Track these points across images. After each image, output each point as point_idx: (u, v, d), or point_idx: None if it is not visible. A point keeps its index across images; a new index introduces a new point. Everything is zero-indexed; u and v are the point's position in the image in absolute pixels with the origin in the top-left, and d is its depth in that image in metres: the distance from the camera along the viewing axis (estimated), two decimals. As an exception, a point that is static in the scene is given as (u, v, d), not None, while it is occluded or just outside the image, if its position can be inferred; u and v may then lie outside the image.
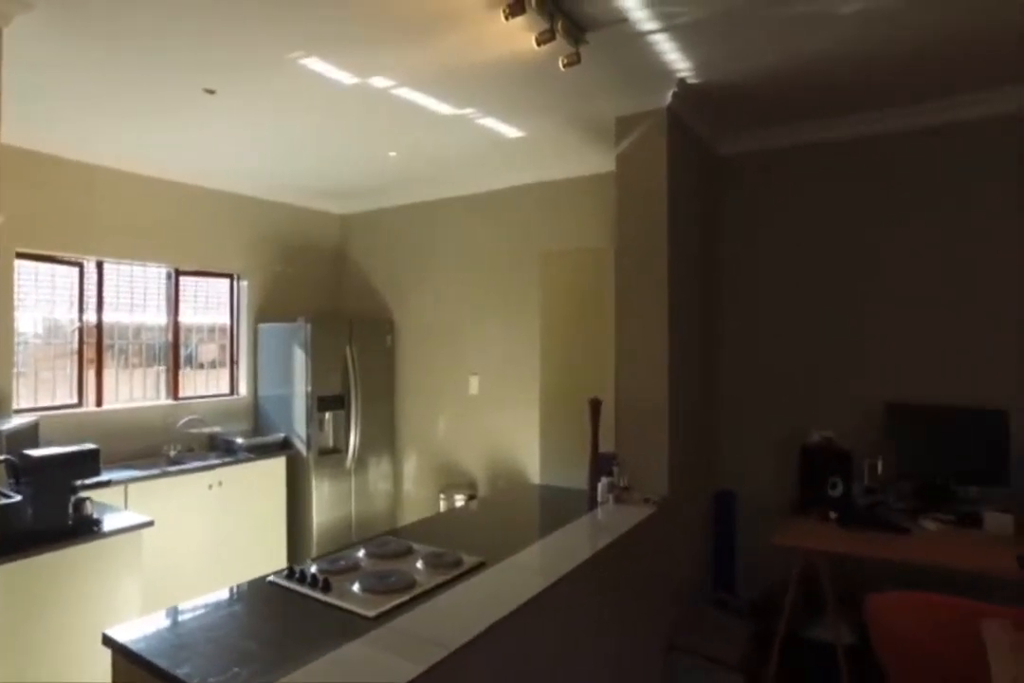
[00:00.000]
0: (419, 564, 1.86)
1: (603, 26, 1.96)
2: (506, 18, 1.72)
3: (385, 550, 1.97)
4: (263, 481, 3.83)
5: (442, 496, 4.12)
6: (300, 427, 3.99)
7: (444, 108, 2.71)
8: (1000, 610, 1.80)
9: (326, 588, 1.67)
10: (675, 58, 2.29)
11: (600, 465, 2.72)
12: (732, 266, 3.39)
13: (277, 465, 3.92)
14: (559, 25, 1.83)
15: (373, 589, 1.67)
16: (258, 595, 1.70)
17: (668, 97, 2.56)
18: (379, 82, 2.46)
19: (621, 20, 1.94)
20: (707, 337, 3.33)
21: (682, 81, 2.51)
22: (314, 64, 2.32)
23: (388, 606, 1.57)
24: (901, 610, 2.08)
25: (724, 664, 2.55)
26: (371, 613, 1.53)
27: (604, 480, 2.65)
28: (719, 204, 3.40)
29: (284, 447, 4.02)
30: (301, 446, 3.99)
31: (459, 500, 4.00)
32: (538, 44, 1.85)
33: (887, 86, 2.66)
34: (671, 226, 2.69)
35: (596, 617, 2.14)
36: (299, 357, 3.99)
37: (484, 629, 1.48)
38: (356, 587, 1.68)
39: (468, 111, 2.76)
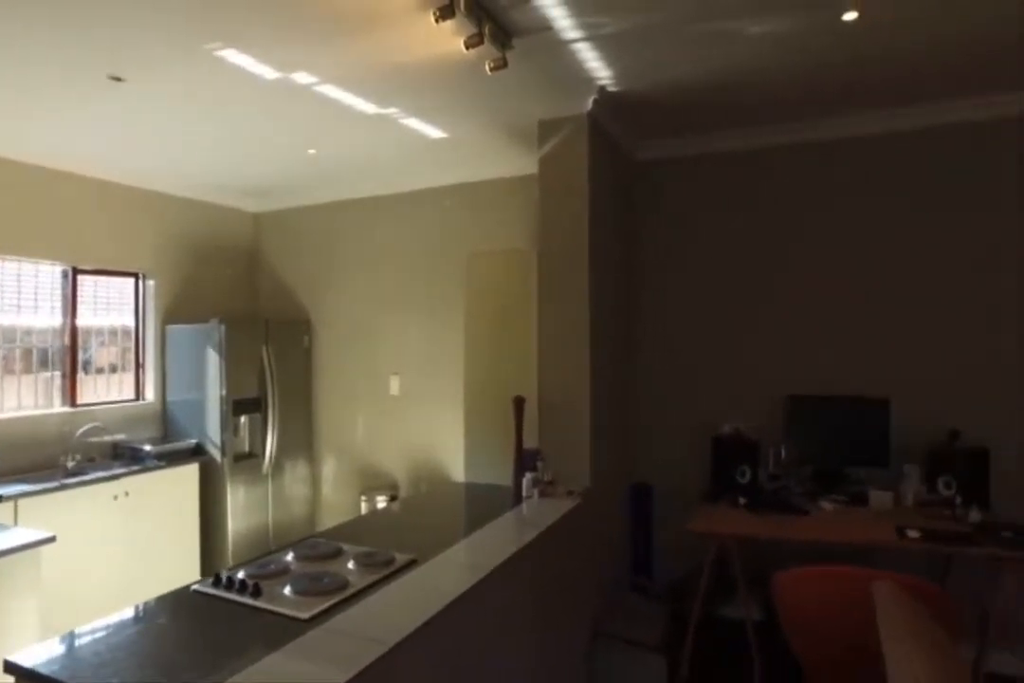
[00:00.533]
0: (351, 564, 1.86)
1: (529, 33, 2.03)
2: (436, 21, 1.74)
3: (315, 552, 1.95)
4: (174, 490, 3.65)
5: (363, 498, 4.08)
6: (214, 432, 3.83)
7: (368, 107, 2.70)
8: (886, 574, 1.99)
9: (256, 593, 1.64)
10: (597, 66, 2.40)
11: (524, 461, 2.79)
12: (648, 267, 3.56)
13: (189, 472, 3.75)
14: (487, 30, 1.87)
15: (306, 591, 1.65)
16: (183, 605, 1.64)
17: (589, 103, 2.67)
18: (302, 78, 2.42)
19: (547, 28, 2.01)
20: (626, 335, 3.48)
21: (603, 88, 2.62)
22: (233, 56, 2.25)
23: (322, 607, 1.56)
24: (802, 584, 2.26)
25: (645, 646, 2.67)
26: (305, 615, 1.52)
27: (528, 475, 2.72)
28: (635, 207, 3.56)
29: (196, 453, 3.85)
30: (215, 452, 3.83)
31: (381, 502, 3.97)
32: (467, 47, 1.89)
33: (787, 102, 2.89)
34: (592, 227, 2.80)
35: (526, 608, 2.20)
36: (212, 359, 3.83)
37: (421, 624, 1.50)
38: (288, 590, 1.66)
39: (392, 111, 2.76)
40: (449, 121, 2.95)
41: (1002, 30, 2.22)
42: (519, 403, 2.77)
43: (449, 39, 1.96)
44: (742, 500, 2.90)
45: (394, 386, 4.18)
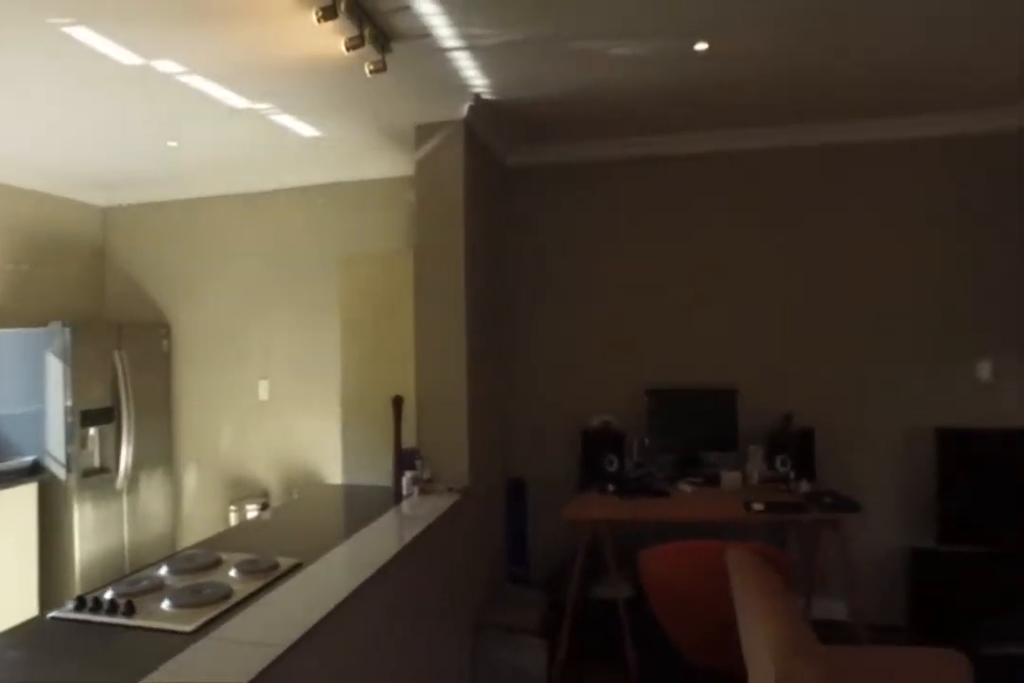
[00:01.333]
0: (233, 573, 1.80)
1: (409, 38, 2.07)
2: (318, 21, 1.74)
3: (192, 564, 1.86)
4: (5, 514, 3.27)
5: (232, 508, 3.88)
6: (57, 447, 3.47)
7: (239, 101, 2.60)
8: (737, 544, 2.24)
9: (129, 611, 1.54)
10: (474, 75, 2.49)
11: (403, 460, 2.82)
12: (519, 267, 3.71)
13: (24, 494, 3.37)
14: (368, 33, 1.90)
15: (186, 604, 1.58)
16: (40, 635, 1.48)
17: (465, 110, 2.76)
18: (166, 66, 2.28)
19: (427, 35, 2.06)
20: (500, 334, 3.60)
21: (478, 96, 2.72)
22: (84, 35, 2.08)
23: (207, 618, 1.51)
24: (664, 559, 2.49)
25: (525, 632, 2.79)
26: (189, 627, 1.46)
27: (408, 474, 2.75)
28: (508, 211, 3.70)
29: (34, 472, 3.46)
30: (58, 469, 3.47)
31: (252, 511, 3.81)
32: (347, 49, 1.90)
33: (647, 118, 3.16)
34: (467, 230, 2.89)
35: (411, 604, 2.23)
36: (54, 366, 3.47)
37: (313, 625, 1.49)
38: (166, 605, 1.58)
39: (265, 106, 2.68)
40: (325, 120, 2.92)
41: (819, 65, 2.58)
42: (397, 403, 2.80)
43: (329, 39, 1.95)
44: (611, 487, 3.11)
45: (263, 391, 4.02)
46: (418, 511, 2.55)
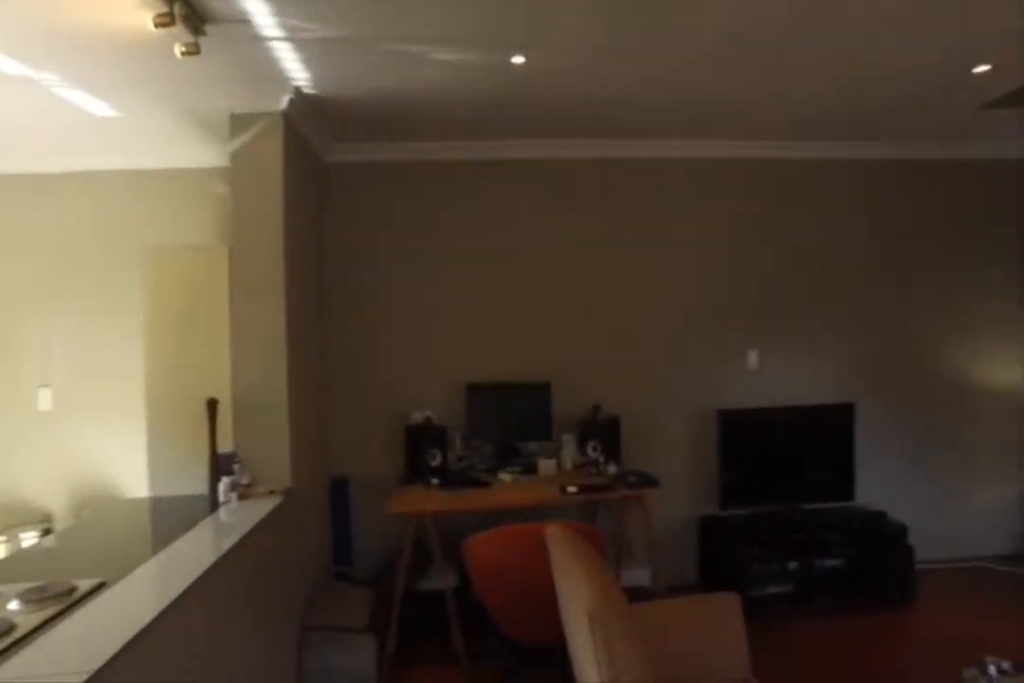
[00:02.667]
0: (13, 605, 1.57)
1: (225, 22, 1.97)
2: (121, -8, 1.61)
3: (-53, 607, 1.61)
4: None
5: (2, 539, 3.36)
6: None
7: (11, 66, 2.26)
8: (555, 523, 2.42)
9: None
10: (295, 67, 2.43)
11: (220, 466, 2.67)
12: (339, 265, 3.66)
13: None
14: (178, 11, 1.78)
15: (-52, 650, 1.36)
16: None
17: (285, 102, 2.67)
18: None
19: (244, 21, 1.99)
20: (321, 332, 3.52)
21: (298, 89, 2.66)
22: None
23: (-21, 663, 1.31)
24: (487, 544, 2.62)
25: (352, 630, 2.78)
26: (-43, 680, 1.27)
27: (226, 480, 2.61)
28: (326, 208, 3.63)
29: None
30: None
31: (29, 539, 3.33)
32: (155, 26, 1.77)
33: (468, 123, 3.28)
34: (287, 225, 2.80)
35: (235, 613, 2.13)
36: None
37: (117, 651, 1.36)
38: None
39: (48, 77, 2.37)
40: (125, 100, 2.65)
41: (628, 89, 2.89)
42: (212, 406, 2.65)
43: (135, 13, 1.80)
44: (434, 481, 3.20)
45: (44, 400, 3.53)
46: (237, 517, 2.44)
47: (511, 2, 2.04)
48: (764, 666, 2.87)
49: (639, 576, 3.53)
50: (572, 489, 3.00)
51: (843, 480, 3.64)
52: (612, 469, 3.27)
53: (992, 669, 2.04)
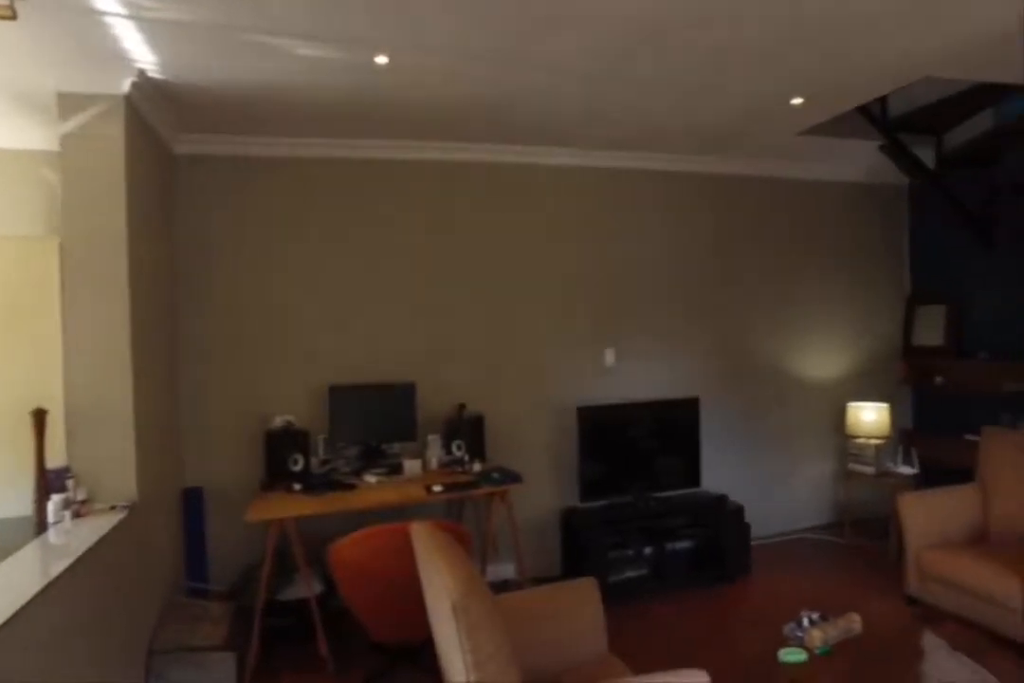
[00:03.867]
0: None
1: (52, -10, 1.81)
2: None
3: None
4: None
5: None
6: None
7: None
8: (420, 521, 2.45)
9: None
10: (138, 48, 2.26)
11: (50, 482, 2.43)
12: (192, 262, 3.43)
13: None
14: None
15: None
16: None
17: (127, 85, 2.46)
18: None
19: (73, -9, 1.83)
20: (170, 332, 3.29)
21: (143, 73, 2.47)
22: None
23: None
24: (352, 547, 2.59)
25: (210, 648, 2.62)
26: None
27: (56, 498, 2.38)
28: (175, 201, 3.39)
29: None
30: None
31: None
32: (-38, -12, 1.58)
33: (330, 120, 3.21)
34: (130, 217, 2.59)
35: (72, 643, 1.95)
36: None
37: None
38: None
39: None
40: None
41: (494, 95, 2.97)
42: (39, 417, 2.40)
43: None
44: (296, 486, 3.10)
45: None
46: (70, 538, 2.22)
47: (376, 1, 2.04)
48: (623, 643, 3.08)
49: (504, 570, 3.63)
50: (437, 488, 3.03)
51: (690, 468, 3.96)
52: (477, 467, 3.34)
53: (805, 620, 2.33)
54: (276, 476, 3.21)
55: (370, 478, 3.25)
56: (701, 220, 4.30)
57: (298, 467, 3.26)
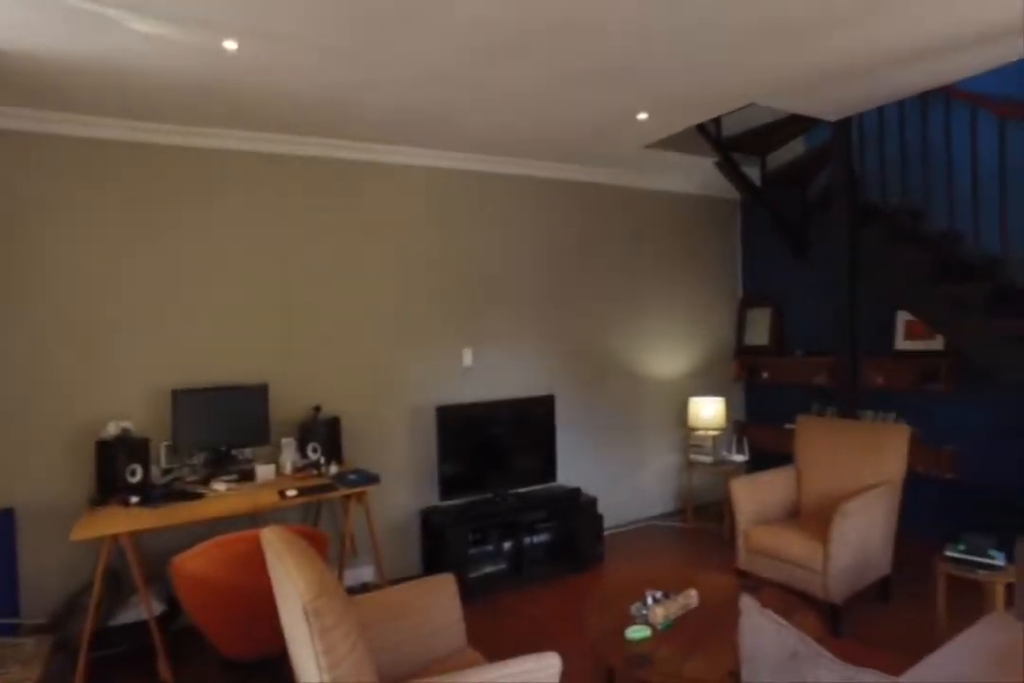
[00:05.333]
0: None
1: None
2: None
3: None
4: None
5: None
6: None
7: None
8: (272, 527, 2.35)
9: None
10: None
11: None
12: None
13: None
14: None
15: None
16: None
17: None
18: None
19: None
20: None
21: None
22: None
23: None
24: (197, 560, 2.43)
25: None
26: None
27: None
28: (-22, 185, 3.00)
29: None
30: None
31: None
32: None
33: (170, 105, 2.99)
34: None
35: None
36: None
37: None
38: None
39: None
40: None
41: (346, 91, 2.90)
42: None
43: None
44: (134, 499, 2.85)
45: None
46: None
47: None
48: (483, 635, 3.15)
49: (364, 572, 3.57)
50: (292, 492, 2.92)
51: (547, 464, 4.11)
52: (333, 469, 3.25)
53: (649, 600, 2.50)
54: (109, 490, 2.93)
55: (219, 486, 3.06)
56: (558, 225, 4.48)
57: (136, 478, 2.99)
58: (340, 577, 3.29)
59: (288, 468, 3.31)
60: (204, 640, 2.59)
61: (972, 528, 3.89)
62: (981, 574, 2.73)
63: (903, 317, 4.17)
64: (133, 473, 2.99)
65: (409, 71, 2.72)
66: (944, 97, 3.37)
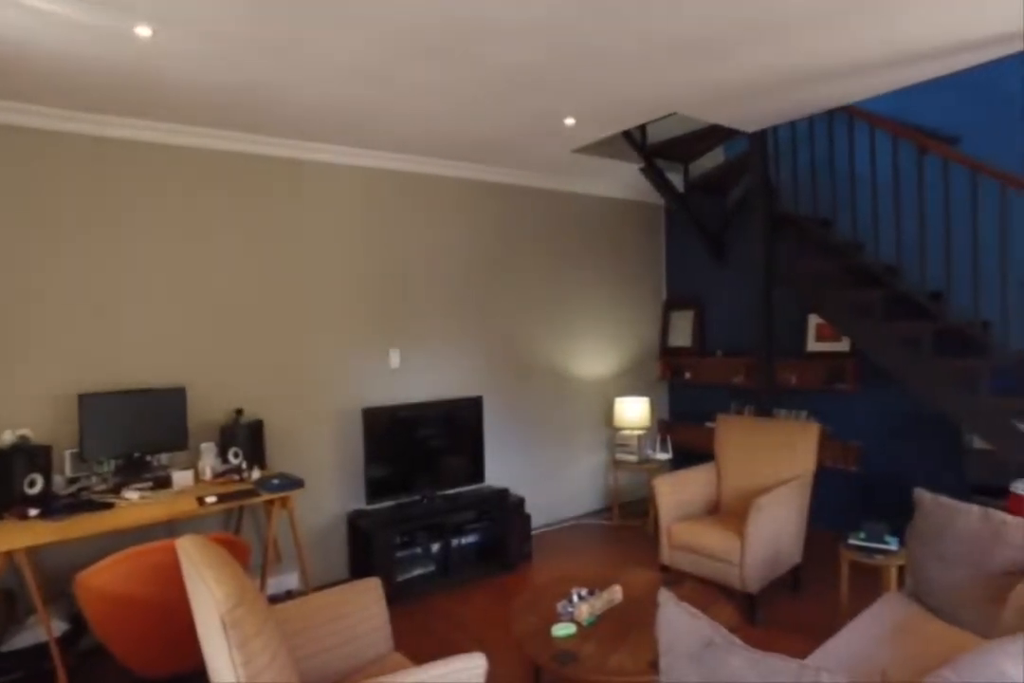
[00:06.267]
0: None
1: None
2: None
3: None
4: None
5: None
6: None
7: None
8: (188, 536, 2.26)
9: None
10: None
11: None
12: None
13: None
14: None
15: None
16: None
17: None
18: None
19: None
20: None
21: None
22: None
23: None
24: (105, 574, 2.30)
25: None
26: None
27: None
28: None
29: None
30: None
31: None
32: None
33: (72, 89, 2.82)
34: None
35: None
36: None
37: None
38: None
39: None
40: None
41: (262, 85, 2.82)
42: None
43: None
44: (32, 512, 2.67)
45: None
46: None
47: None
48: (411, 639, 3.13)
49: (289, 580, 3.47)
50: (211, 499, 2.81)
51: (475, 465, 4.12)
52: (256, 475, 3.15)
53: (575, 597, 2.55)
54: (5, 503, 2.74)
55: (131, 494, 2.91)
56: (486, 227, 4.49)
57: (35, 489, 2.80)
58: (263, 585, 3.19)
59: (208, 474, 3.18)
60: (113, 660, 2.45)
61: (873, 517, 4.16)
62: (878, 559, 2.92)
63: (814, 320, 4.41)
64: (32, 484, 2.81)
65: (332, 68, 2.67)
66: (847, 116, 3.59)
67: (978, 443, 3.40)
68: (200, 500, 2.80)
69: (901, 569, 2.75)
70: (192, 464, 3.24)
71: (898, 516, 3.95)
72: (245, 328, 3.57)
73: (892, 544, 2.97)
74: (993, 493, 3.30)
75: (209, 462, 3.21)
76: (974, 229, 3.11)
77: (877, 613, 2.41)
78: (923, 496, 2.50)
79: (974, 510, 2.32)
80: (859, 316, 3.45)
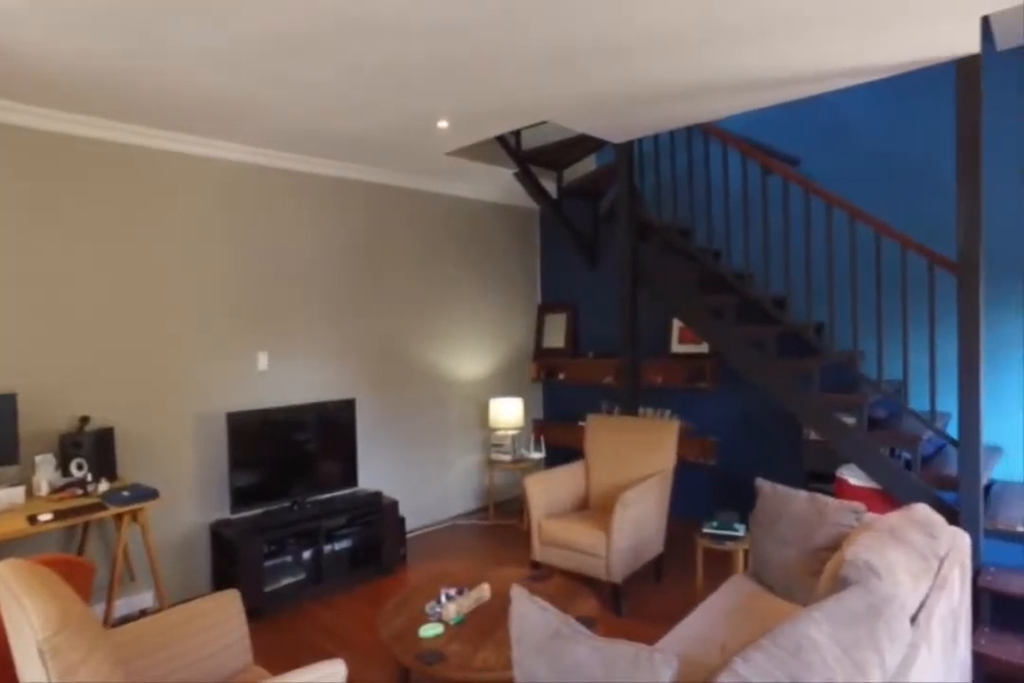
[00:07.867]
0: None
1: None
2: None
3: None
4: None
5: None
6: None
7: None
8: (9, 561, 2.05)
9: None
10: None
11: None
12: None
13: None
14: None
15: None
16: None
17: None
18: None
19: None
20: None
21: None
22: None
23: None
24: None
25: None
26: None
27: None
28: None
29: None
30: None
31: None
32: None
33: None
34: None
35: None
36: None
37: None
38: None
39: None
40: None
41: (118, 70, 2.61)
42: None
43: None
44: None
45: None
46: None
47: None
48: (276, 650, 3.02)
49: (143, 599, 3.24)
50: (45, 517, 2.57)
51: (348, 469, 4.03)
52: (104, 487, 2.92)
53: (443, 597, 2.57)
54: None
55: (-55, 515, 2.60)
56: (358, 227, 4.41)
57: None
58: (110, 606, 2.95)
59: (44, 489, 2.90)
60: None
61: (726, 507, 4.50)
62: (728, 545, 3.17)
63: (678, 323, 4.70)
64: None
65: (195, 56, 2.53)
66: (703, 132, 3.86)
67: (814, 435, 3.77)
68: (31, 518, 2.55)
69: (747, 553, 2.99)
70: (24, 479, 2.94)
71: (747, 505, 4.30)
72: (92, 328, 3.28)
73: (740, 530, 3.23)
74: (825, 479, 3.67)
75: (46, 476, 2.93)
76: (807, 242, 3.44)
77: (723, 594, 2.62)
78: (763, 485, 2.74)
79: (803, 495, 2.57)
80: (713, 320, 3.71)
